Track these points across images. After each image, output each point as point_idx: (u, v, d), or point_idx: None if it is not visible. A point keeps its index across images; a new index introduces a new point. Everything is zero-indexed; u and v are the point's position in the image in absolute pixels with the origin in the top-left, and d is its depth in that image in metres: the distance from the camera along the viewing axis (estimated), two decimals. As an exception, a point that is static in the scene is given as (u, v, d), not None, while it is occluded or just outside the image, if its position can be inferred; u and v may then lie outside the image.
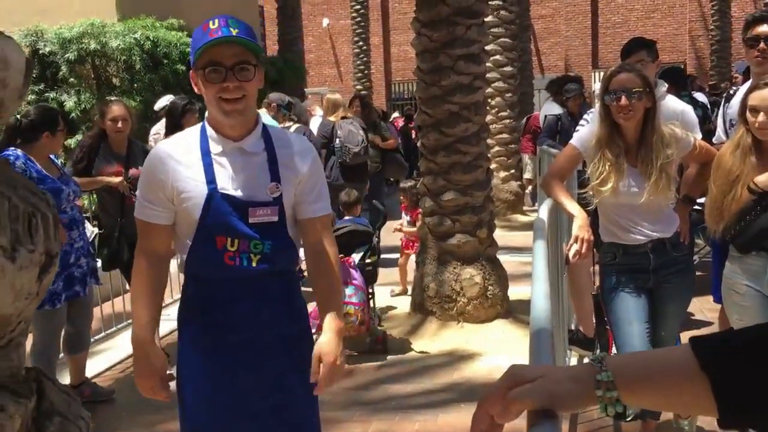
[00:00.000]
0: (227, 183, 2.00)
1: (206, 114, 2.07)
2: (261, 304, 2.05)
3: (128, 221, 4.49)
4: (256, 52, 1.96)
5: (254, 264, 2.00)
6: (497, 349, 4.70)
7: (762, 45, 3.31)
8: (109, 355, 4.97)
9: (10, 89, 1.01)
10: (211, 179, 1.98)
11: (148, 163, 2.06)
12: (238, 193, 2.00)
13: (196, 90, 2.00)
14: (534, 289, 1.62)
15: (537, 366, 0.92)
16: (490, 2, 8.71)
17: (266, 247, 2.00)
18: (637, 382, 0.87)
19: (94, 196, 5.56)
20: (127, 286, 5.85)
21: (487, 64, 6.08)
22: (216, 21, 1.91)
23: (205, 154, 2.01)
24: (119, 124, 4.47)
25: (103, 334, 5.09)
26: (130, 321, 5.26)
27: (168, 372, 2.11)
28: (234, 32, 1.90)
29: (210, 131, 2.03)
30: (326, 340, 2.02)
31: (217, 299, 2.04)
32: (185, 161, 2.01)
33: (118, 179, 4.44)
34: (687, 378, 0.85)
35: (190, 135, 2.08)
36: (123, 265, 4.53)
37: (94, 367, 4.72)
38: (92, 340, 4.99)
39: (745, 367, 0.83)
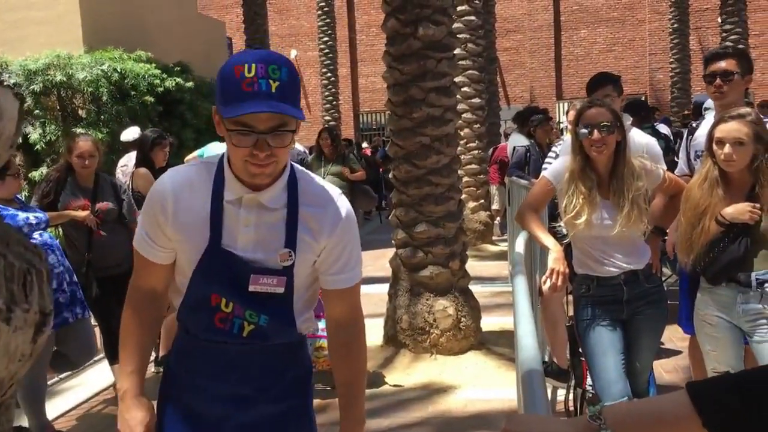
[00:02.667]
0: (233, 238, 1.71)
1: (226, 149, 1.72)
2: (247, 376, 1.79)
3: (96, 256, 4.40)
4: (297, 116, 1.60)
5: (245, 334, 1.74)
6: (471, 381, 4.68)
7: (718, 81, 3.42)
8: (75, 394, 4.83)
9: (3, 139, 0.98)
10: (215, 230, 1.70)
11: (152, 196, 1.75)
12: (243, 254, 1.71)
13: (217, 131, 1.70)
14: (519, 328, 1.61)
15: (533, 422, 0.90)
16: (458, 35, 8.85)
17: (262, 320, 1.73)
18: None
19: (60, 230, 5.46)
20: (93, 321, 5.73)
21: (457, 96, 6.15)
22: (253, 67, 1.54)
23: (216, 198, 1.71)
24: (86, 161, 4.41)
25: (68, 372, 4.95)
26: (97, 358, 5.15)
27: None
28: (273, 87, 1.54)
29: (227, 173, 1.71)
30: None
31: (203, 360, 1.80)
32: (191, 202, 1.72)
33: (84, 213, 4.36)
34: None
35: (204, 171, 1.75)
36: (91, 300, 4.42)
37: (59, 406, 4.59)
38: (57, 378, 4.87)
39: (746, 423, 0.83)
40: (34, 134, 8.59)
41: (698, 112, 6.03)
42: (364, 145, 18.58)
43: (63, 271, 3.96)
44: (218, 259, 1.70)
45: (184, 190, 1.73)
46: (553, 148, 4.91)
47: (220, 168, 1.73)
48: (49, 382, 4.76)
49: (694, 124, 3.95)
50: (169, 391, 1.87)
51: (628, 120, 3.95)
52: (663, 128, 7.81)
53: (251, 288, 1.71)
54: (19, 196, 4.20)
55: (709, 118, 3.68)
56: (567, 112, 4.86)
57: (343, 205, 1.82)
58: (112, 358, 4.50)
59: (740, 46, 13.38)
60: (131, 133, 6.85)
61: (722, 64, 3.44)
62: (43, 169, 8.62)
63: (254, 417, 1.81)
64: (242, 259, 1.71)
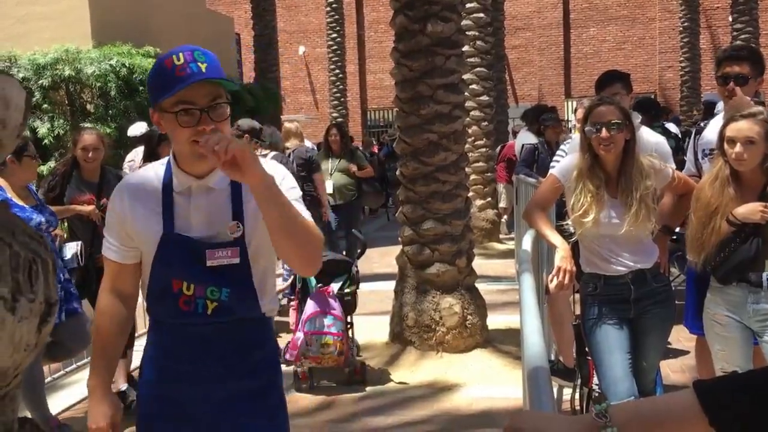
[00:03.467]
0: (186, 223, 1.85)
1: (171, 149, 1.90)
2: (216, 355, 1.88)
3: (99, 250, 4.40)
4: (228, 87, 1.79)
5: (209, 312, 1.83)
6: (477, 379, 4.67)
7: (731, 85, 3.38)
8: (80, 388, 4.82)
9: (10, 128, 0.97)
10: (167, 219, 1.84)
11: (113, 199, 1.94)
12: (196, 234, 1.84)
13: (160, 130, 1.85)
14: (525, 325, 1.59)
15: (538, 419, 0.89)
16: (467, 32, 8.82)
17: (223, 294, 1.83)
18: None
19: (66, 224, 5.47)
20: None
21: (465, 94, 6.13)
22: (181, 56, 1.72)
23: (167, 191, 1.87)
24: (90, 154, 4.40)
25: (74, 365, 4.96)
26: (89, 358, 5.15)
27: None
28: (203, 67, 1.71)
29: (174, 167, 1.87)
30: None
31: (174, 345, 1.91)
32: (145, 198, 1.88)
33: (89, 208, 4.36)
34: (695, 431, 0.83)
35: (155, 170, 1.93)
36: (93, 295, 4.43)
37: (64, 400, 4.59)
38: (62, 372, 4.88)
39: (753, 422, 0.81)
40: (43, 128, 8.62)
41: (710, 112, 5.98)
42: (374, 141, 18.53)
43: (56, 270, 3.95)
44: (174, 244, 1.83)
45: (137, 190, 1.90)
46: (562, 146, 4.88)
47: (168, 165, 1.90)
48: (55, 376, 4.79)
49: (702, 124, 3.92)
50: (147, 379, 1.98)
51: (637, 118, 3.92)
52: (672, 127, 7.78)
53: (209, 263, 1.82)
54: (34, 188, 4.20)
55: (718, 118, 3.65)
56: (575, 110, 4.83)
57: (280, 171, 1.89)
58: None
59: (753, 46, 13.30)
60: (138, 128, 6.86)
61: (736, 68, 3.38)
62: (52, 163, 8.65)
63: (226, 395, 1.90)
64: (196, 239, 1.84)
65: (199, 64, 1.72)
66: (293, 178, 1.94)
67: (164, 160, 1.94)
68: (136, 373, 4.74)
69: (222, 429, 1.91)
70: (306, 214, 1.82)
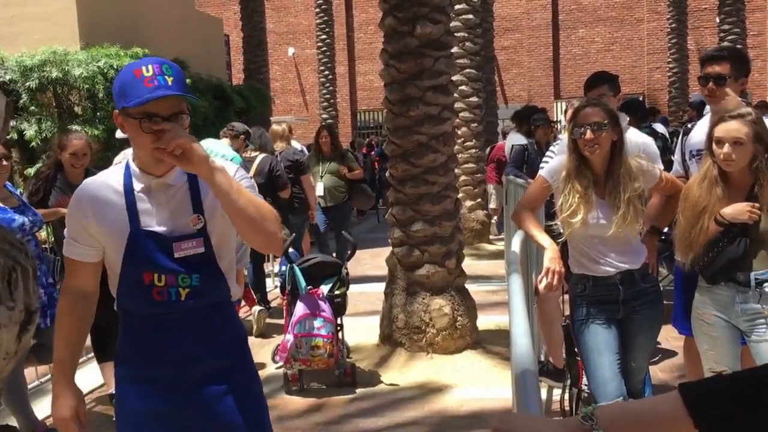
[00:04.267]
0: (150, 219, 1.98)
1: (130, 153, 2.04)
2: (191, 337, 2.02)
3: None
4: (190, 102, 1.95)
5: (182, 298, 1.99)
6: (467, 380, 4.67)
7: (711, 85, 3.41)
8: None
9: None
10: (133, 217, 1.97)
11: (73, 202, 2.03)
12: (161, 229, 1.98)
13: (121, 131, 2.01)
14: (514, 327, 1.59)
15: (525, 421, 0.88)
16: (456, 34, 8.83)
17: (194, 280, 1.99)
18: None
19: (51, 227, 5.43)
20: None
21: (454, 95, 6.13)
22: (150, 68, 1.86)
23: (128, 192, 1.99)
24: (80, 159, 4.39)
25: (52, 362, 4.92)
26: (88, 356, 5.12)
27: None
28: (170, 81, 1.86)
29: (133, 168, 2.01)
30: None
31: (148, 334, 2.03)
32: (108, 200, 1.99)
33: None
34: None
35: (114, 173, 2.05)
36: None
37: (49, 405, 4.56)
38: (49, 376, 4.84)
39: (738, 424, 0.81)
40: (30, 131, 8.55)
41: (700, 113, 6.01)
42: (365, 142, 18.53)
43: (40, 275, 3.91)
44: (142, 240, 1.96)
45: (98, 192, 2.01)
46: (551, 148, 4.89)
47: (127, 168, 2.03)
48: (42, 380, 4.75)
49: (689, 125, 3.94)
50: (122, 373, 2.09)
51: (625, 120, 3.93)
52: (660, 128, 7.81)
53: (176, 254, 1.97)
54: (17, 191, 4.16)
55: (705, 119, 3.67)
56: (565, 111, 4.84)
57: (229, 166, 2.03)
58: (101, 356, 4.48)
59: (738, 47, 13.39)
60: (127, 131, 6.81)
61: (716, 68, 3.42)
62: (39, 166, 8.59)
63: (201, 374, 2.03)
64: (161, 233, 1.97)
65: (167, 77, 1.86)
66: (245, 172, 2.09)
67: (121, 165, 2.07)
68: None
69: (200, 406, 2.02)
70: (259, 198, 2.00)
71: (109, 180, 2.03)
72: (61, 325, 2.08)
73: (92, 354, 5.17)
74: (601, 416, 0.86)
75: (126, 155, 5.88)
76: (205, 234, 2.00)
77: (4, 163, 3.89)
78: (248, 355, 2.17)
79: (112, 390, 4.44)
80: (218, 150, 6.01)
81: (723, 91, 3.39)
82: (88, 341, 4.83)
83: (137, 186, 2.00)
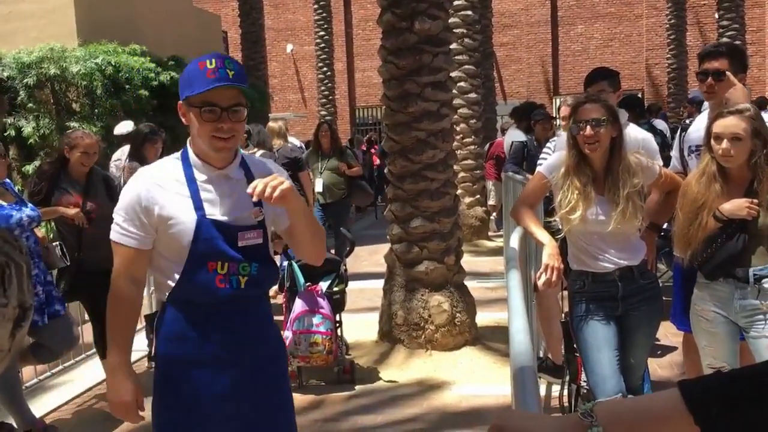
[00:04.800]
0: (214, 209, 2.08)
1: (188, 141, 2.13)
2: (248, 325, 2.14)
3: (87, 252, 4.35)
4: (248, 95, 2.08)
5: (243, 285, 2.09)
6: (466, 377, 4.67)
7: (709, 80, 3.41)
8: (65, 390, 4.80)
9: None
10: (199, 206, 2.06)
11: (133, 189, 2.08)
12: (226, 219, 2.08)
13: (184, 120, 2.09)
14: (512, 324, 1.59)
15: (524, 418, 0.88)
16: (454, 30, 8.81)
17: (253, 268, 2.09)
18: None
19: (52, 225, 5.42)
20: (86, 317, 5.70)
21: (453, 91, 6.11)
22: (213, 61, 1.99)
23: (191, 181, 2.08)
24: (90, 158, 4.41)
25: (60, 367, 4.92)
26: (88, 353, 5.12)
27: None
28: (231, 74, 1.98)
29: (194, 159, 2.11)
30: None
31: (207, 322, 2.10)
32: (172, 188, 2.07)
33: (74, 210, 4.30)
34: (681, 430, 0.83)
35: (171, 163, 2.14)
36: (84, 296, 4.38)
37: (50, 402, 4.56)
38: (48, 374, 4.84)
39: (738, 421, 0.81)
40: (28, 128, 8.53)
41: (700, 109, 6.00)
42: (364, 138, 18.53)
43: (38, 273, 3.90)
44: (210, 229, 2.05)
45: (163, 179, 2.09)
46: (548, 144, 4.89)
47: (184, 158, 2.13)
48: (40, 377, 4.75)
49: (687, 121, 3.94)
50: (173, 362, 2.11)
51: (624, 116, 3.92)
52: (661, 124, 7.80)
53: (240, 243, 2.08)
54: (15, 187, 4.15)
55: (703, 115, 3.66)
56: (559, 108, 4.84)
57: (278, 168, 2.26)
58: (103, 354, 4.48)
59: (736, 42, 13.39)
60: (125, 127, 6.82)
61: (714, 64, 3.42)
62: (37, 163, 8.56)
63: (254, 360, 2.14)
64: (227, 223, 2.07)
65: (228, 70, 1.99)
66: (285, 171, 2.24)
67: (175, 156, 2.15)
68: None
69: (252, 391, 2.13)
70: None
71: (169, 168, 2.12)
72: (116, 313, 2.10)
73: (93, 350, 5.17)
74: (601, 413, 0.85)
75: (123, 152, 5.90)
76: (263, 226, 2.14)
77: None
78: (284, 349, 2.34)
79: None
80: None
81: (722, 86, 3.39)
82: (89, 338, 4.85)
83: (199, 176, 2.10)
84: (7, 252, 0.91)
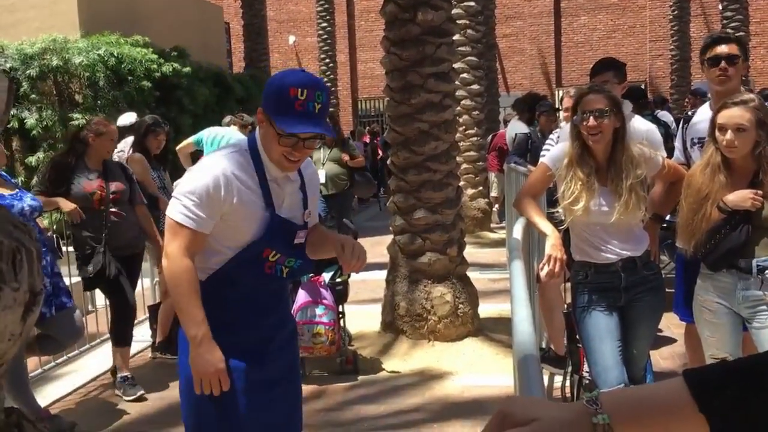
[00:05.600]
0: (279, 207, 2.23)
1: (257, 137, 2.22)
2: (279, 307, 2.40)
3: (110, 237, 4.37)
4: (329, 134, 2.29)
5: (284, 275, 2.30)
6: (469, 367, 4.68)
7: (723, 64, 3.37)
8: (69, 380, 4.82)
9: None
10: (269, 203, 2.20)
11: (211, 175, 2.13)
12: (290, 216, 2.26)
13: (257, 124, 2.21)
14: (515, 313, 1.59)
15: (529, 404, 0.88)
16: (457, 21, 8.79)
17: (296, 263, 2.31)
18: (635, 424, 0.85)
19: (55, 216, 5.43)
20: (90, 307, 5.72)
21: (456, 83, 6.11)
22: (305, 92, 2.05)
23: (262, 178, 2.20)
24: (114, 144, 4.54)
25: (64, 357, 4.94)
26: (92, 343, 5.14)
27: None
28: (317, 108, 2.07)
29: (265, 158, 2.20)
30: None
31: (247, 302, 2.26)
32: (248, 183, 2.18)
33: (71, 206, 4.31)
34: (686, 419, 0.83)
35: (242, 156, 2.21)
36: (109, 282, 4.40)
37: (54, 391, 4.58)
38: (52, 364, 4.86)
39: (743, 408, 0.81)
40: (31, 119, 8.53)
41: (703, 100, 5.97)
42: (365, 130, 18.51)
43: (45, 264, 3.91)
44: (277, 223, 2.21)
45: (242, 173, 2.18)
46: (551, 135, 4.88)
47: (254, 154, 2.22)
48: (45, 367, 4.77)
49: (690, 113, 3.91)
50: (221, 339, 2.18)
51: (629, 107, 3.91)
52: (666, 116, 7.77)
53: (296, 240, 2.28)
54: (13, 179, 4.16)
55: (705, 106, 3.64)
56: (561, 99, 4.82)
57: (313, 167, 2.49)
58: (118, 341, 4.51)
59: (740, 34, 13.32)
60: (128, 118, 6.81)
61: (726, 48, 3.38)
62: (40, 154, 8.57)
63: (286, 334, 2.40)
64: (290, 220, 2.25)
65: (316, 104, 2.07)
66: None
67: (244, 149, 2.23)
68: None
69: (285, 362, 2.37)
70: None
71: (243, 163, 2.20)
72: (186, 289, 2.15)
73: (98, 340, 5.20)
74: (606, 400, 0.85)
75: (127, 143, 5.90)
76: (307, 227, 2.33)
77: None
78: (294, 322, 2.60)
79: (125, 373, 4.47)
80: (231, 135, 6.16)
81: (735, 70, 3.35)
82: (92, 329, 4.87)
83: (269, 175, 2.21)
84: (18, 237, 0.92)
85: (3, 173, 4.01)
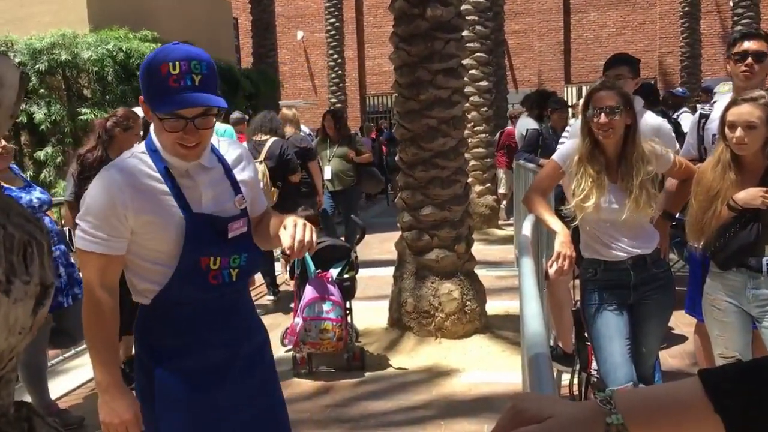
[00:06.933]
0: (198, 203, 1.93)
1: (151, 131, 1.95)
2: (239, 317, 2.06)
3: None
4: (219, 105, 1.85)
5: (234, 278, 2.00)
6: (476, 364, 4.67)
7: (749, 60, 3.34)
8: (77, 374, 4.84)
9: (4, 107, 0.96)
10: (183, 203, 1.91)
11: (101, 193, 1.87)
12: (213, 211, 1.95)
13: (146, 116, 1.93)
14: (525, 309, 1.58)
15: (542, 401, 0.87)
16: (466, 17, 8.76)
17: (242, 259, 2.00)
18: (649, 425, 0.84)
19: (63, 211, 5.44)
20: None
21: (464, 79, 6.09)
22: (177, 65, 1.77)
23: (166, 176, 1.91)
24: (138, 140, 4.47)
25: (72, 351, 4.96)
26: (84, 348, 5.15)
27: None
28: (197, 80, 1.78)
29: (164, 153, 1.92)
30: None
31: (200, 321, 1.98)
32: (149, 186, 1.89)
33: None
34: (701, 419, 0.82)
35: (137, 159, 1.93)
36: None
37: (62, 386, 4.60)
38: (60, 358, 4.88)
39: (759, 409, 0.80)
40: (39, 114, 8.56)
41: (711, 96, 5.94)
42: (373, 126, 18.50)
43: (59, 255, 3.91)
44: (199, 224, 1.91)
45: (137, 178, 1.90)
46: (564, 133, 4.86)
47: (152, 151, 1.94)
48: (53, 361, 4.79)
49: (707, 108, 3.87)
50: (168, 365, 1.96)
51: (640, 103, 3.89)
52: (688, 117, 7.69)
53: (230, 235, 1.96)
54: (23, 174, 4.18)
55: (722, 101, 3.61)
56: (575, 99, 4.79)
57: (241, 146, 2.16)
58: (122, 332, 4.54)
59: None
60: (140, 112, 6.83)
61: (754, 45, 3.35)
62: (48, 149, 8.60)
63: (248, 351, 2.07)
64: (215, 215, 1.95)
65: (194, 76, 1.78)
66: (254, 165, 2.18)
67: (138, 149, 1.98)
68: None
69: (249, 383, 2.05)
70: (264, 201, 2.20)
71: (138, 165, 1.92)
72: (100, 327, 1.91)
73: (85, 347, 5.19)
74: (620, 400, 0.85)
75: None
76: (246, 213, 2.03)
77: (5, 144, 3.85)
78: (266, 331, 2.22)
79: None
80: (222, 128, 6.19)
81: (762, 67, 3.32)
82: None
83: (174, 170, 1.93)
84: (30, 230, 0.92)
85: (13, 167, 4.02)
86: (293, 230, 1.85)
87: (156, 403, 1.97)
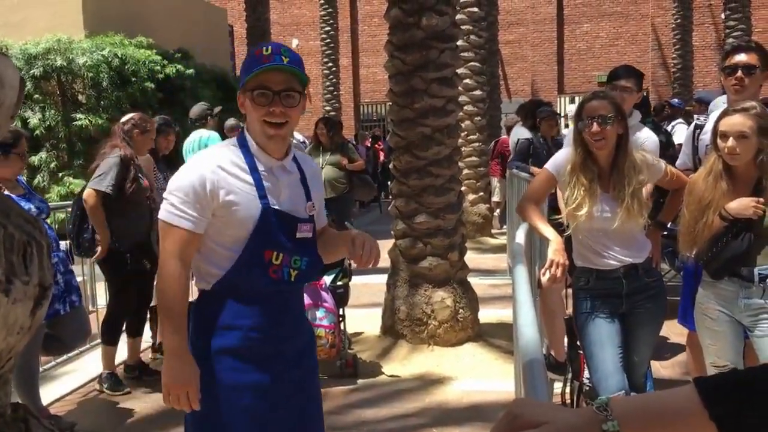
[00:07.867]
0: (275, 199, 2.09)
1: (245, 129, 2.14)
2: (294, 315, 2.20)
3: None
4: (303, 82, 2.07)
5: (292, 279, 2.11)
6: (468, 372, 4.68)
7: (739, 74, 3.36)
8: (69, 380, 4.82)
9: (5, 108, 0.96)
10: (263, 194, 2.06)
11: (195, 171, 2.04)
12: (287, 209, 2.11)
13: (242, 110, 2.11)
14: (519, 317, 1.59)
15: (538, 407, 0.88)
16: (461, 27, 8.81)
17: (303, 263, 2.13)
18: (644, 431, 0.85)
19: (60, 216, 5.44)
20: (90, 307, 5.72)
21: (458, 88, 6.12)
22: (269, 48, 2.02)
23: (253, 169, 2.08)
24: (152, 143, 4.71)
25: (64, 357, 4.94)
26: (93, 344, 5.14)
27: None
28: (285, 60, 1.99)
29: (254, 147, 2.10)
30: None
31: (256, 311, 2.09)
32: (236, 174, 2.06)
33: (103, 250, 4.38)
34: (696, 427, 0.83)
35: (230, 149, 2.12)
36: (145, 273, 4.49)
37: (54, 391, 4.58)
38: (53, 363, 4.86)
39: (754, 417, 0.82)
40: (34, 119, 8.55)
41: (706, 109, 5.97)
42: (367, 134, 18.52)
43: (57, 261, 3.90)
44: (273, 218, 2.06)
45: (229, 165, 2.06)
46: (564, 142, 4.87)
47: (243, 145, 2.11)
48: (45, 367, 4.76)
49: (701, 119, 3.89)
50: (221, 349, 2.07)
51: (638, 117, 3.91)
52: (682, 128, 7.74)
53: (298, 235, 2.12)
54: (21, 178, 4.16)
55: (717, 112, 3.64)
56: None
57: (315, 164, 2.38)
58: (110, 340, 4.58)
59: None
60: (130, 119, 6.83)
61: (744, 58, 3.37)
62: (42, 154, 8.59)
63: (296, 350, 2.19)
64: (288, 213, 2.11)
65: (283, 57, 2.00)
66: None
67: (232, 143, 2.15)
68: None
69: (295, 380, 2.17)
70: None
71: (231, 155, 2.09)
72: (174, 295, 2.04)
73: (98, 340, 5.20)
74: (616, 407, 0.86)
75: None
76: (314, 221, 2.19)
77: (16, 154, 3.83)
78: (314, 337, 2.38)
79: (107, 370, 4.53)
80: (206, 135, 6.33)
81: (752, 80, 3.35)
82: (94, 328, 4.86)
83: (260, 165, 2.09)
84: (29, 231, 0.92)
85: (19, 177, 4.02)
86: (361, 241, 2.08)
87: (215, 388, 2.06)
